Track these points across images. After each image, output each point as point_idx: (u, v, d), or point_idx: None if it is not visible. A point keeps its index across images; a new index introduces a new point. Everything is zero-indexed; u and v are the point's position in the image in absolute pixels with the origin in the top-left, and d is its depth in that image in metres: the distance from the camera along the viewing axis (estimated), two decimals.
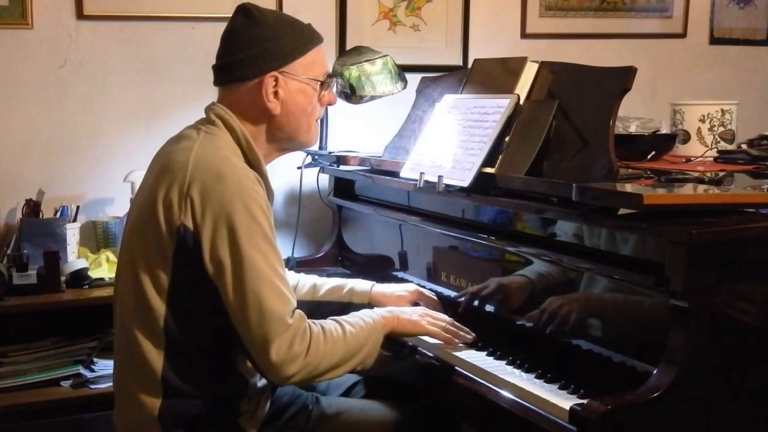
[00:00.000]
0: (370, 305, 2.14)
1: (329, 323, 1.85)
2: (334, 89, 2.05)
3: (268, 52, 1.86)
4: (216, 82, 1.93)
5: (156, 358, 1.77)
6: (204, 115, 1.91)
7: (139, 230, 1.80)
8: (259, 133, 1.90)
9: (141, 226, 1.80)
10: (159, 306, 1.76)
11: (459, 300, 2.23)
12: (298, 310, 1.78)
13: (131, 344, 1.79)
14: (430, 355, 2.02)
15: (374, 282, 2.25)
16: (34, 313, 2.68)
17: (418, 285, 2.35)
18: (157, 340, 1.77)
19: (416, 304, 2.17)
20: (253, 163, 1.85)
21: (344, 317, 1.90)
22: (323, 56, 1.96)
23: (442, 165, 2.22)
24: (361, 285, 2.22)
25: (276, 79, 1.86)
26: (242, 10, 1.90)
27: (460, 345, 2.01)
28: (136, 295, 1.78)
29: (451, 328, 2.02)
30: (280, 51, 1.86)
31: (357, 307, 2.11)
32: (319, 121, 2.00)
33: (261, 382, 1.91)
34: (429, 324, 2.00)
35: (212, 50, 1.95)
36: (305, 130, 1.95)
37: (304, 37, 1.91)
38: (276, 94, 1.87)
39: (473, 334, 2.03)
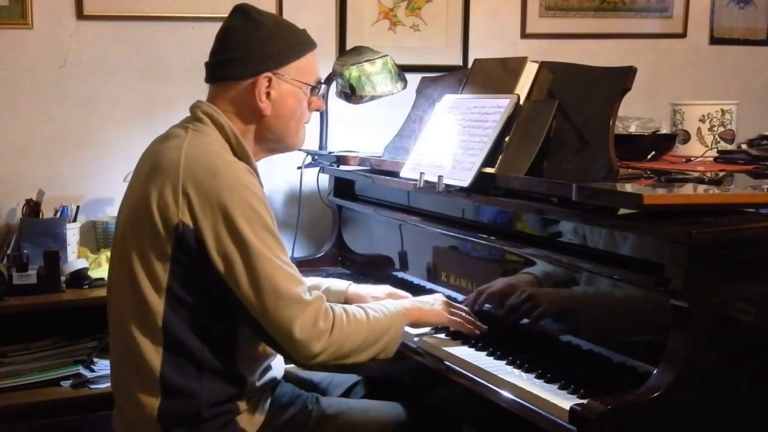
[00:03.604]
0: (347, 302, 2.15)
1: (351, 307, 1.87)
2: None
3: (264, 52, 1.87)
4: (208, 79, 1.94)
5: (154, 356, 1.77)
6: (189, 114, 1.91)
7: (132, 229, 1.80)
8: (247, 133, 1.91)
9: (134, 225, 1.80)
10: (157, 304, 1.76)
11: (458, 300, 2.23)
12: (316, 291, 1.81)
13: (129, 343, 1.79)
14: (429, 354, 2.02)
15: (350, 282, 2.26)
16: (34, 313, 2.68)
17: (418, 285, 2.36)
18: (155, 338, 1.77)
19: None
20: (243, 158, 1.85)
21: (366, 304, 1.93)
22: (315, 62, 1.97)
23: (442, 165, 2.22)
24: (336, 285, 2.24)
25: (269, 80, 1.87)
26: (240, 10, 1.91)
27: (460, 343, 2.02)
28: (134, 294, 1.78)
29: (471, 319, 2.05)
30: (275, 52, 1.88)
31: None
32: (306, 125, 2.01)
33: (261, 381, 1.91)
34: (450, 314, 2.03)
35: None
36: (293, 133, 1.96)
37: (299, 41, 1.93)
38: (268, 95, 1.88)
39: (485, 327, 2.04)
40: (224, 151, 1.83)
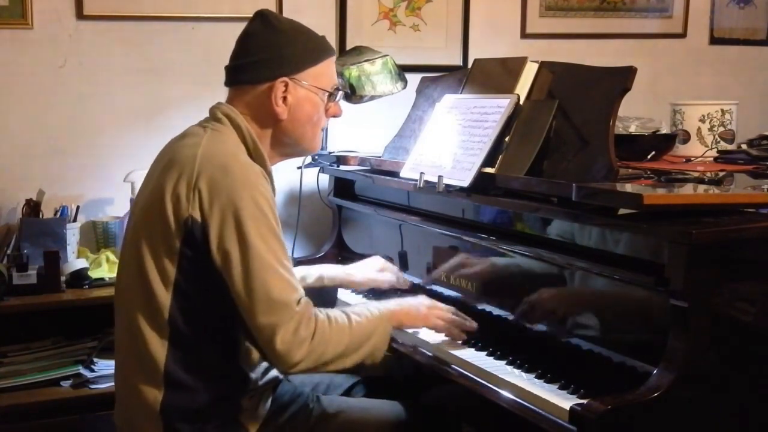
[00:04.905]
0: (340, 286, 2.28)
1: (335, 311, 1.87)
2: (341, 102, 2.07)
3: (281, 57, 1.89)
4: (227, 83, 1.96)
5: (159, 349, 1.78)
6: (208, 115, 1.93)
7: (145, 223, 1.82)
8: (264, 136, 1.93)
9: (147, 218, 1.82)
10: (164, 297, 1.77)
11: (458, 300, 2.23)
12: (305, 298, 1.81)
13: (135, 336, 1.80)
14: (430, 354, 2.02)
15: (340, 266, 2.34)
16: (34, 313, 2.68)
17: (418, 285, 2.36)
18: (161, 332, 1.78)
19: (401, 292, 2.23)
20: (258, 161, 1.87)
21: (350, 307, 1.92)
22: (333, 69, 2.00)
23: (442, 165, 2.22)
24: (329, 271, 2.32)
25: (286, 85, 1.89)
26: (260, 16, 1.93)
27: (460, 343, 2.02)
28: (142, 286, 1.79)
29: (457, 319, 2.04)
30: (293, 58, 1.90)
31: (328, 290, 2.16)
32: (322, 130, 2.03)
33: (263, 380, 1.92)
34: (436, 318, 2.02)
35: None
36: (309, 138, 1.98)
37: (317, 47, 1.95)
38: (285, 99, 1.90)
39: (475, 324, 2.04)
40: (240, 151, 1.84)
